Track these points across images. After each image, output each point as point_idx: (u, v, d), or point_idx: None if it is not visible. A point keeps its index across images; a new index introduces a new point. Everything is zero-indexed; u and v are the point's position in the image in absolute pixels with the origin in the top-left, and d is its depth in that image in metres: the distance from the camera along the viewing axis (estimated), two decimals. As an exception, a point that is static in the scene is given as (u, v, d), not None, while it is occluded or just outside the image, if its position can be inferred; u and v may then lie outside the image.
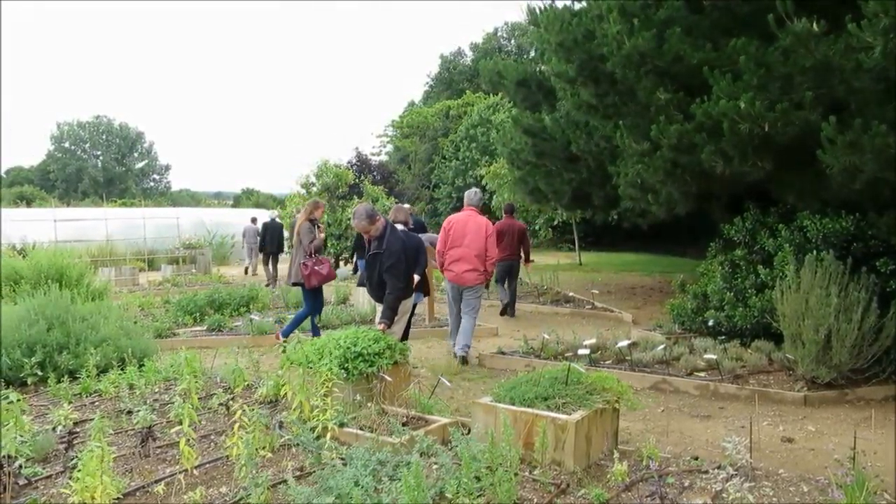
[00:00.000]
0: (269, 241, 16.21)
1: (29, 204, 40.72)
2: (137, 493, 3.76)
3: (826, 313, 5.80)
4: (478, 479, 3.43)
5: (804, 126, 6.18)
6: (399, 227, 6.78)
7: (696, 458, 4.13)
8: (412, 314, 7.00)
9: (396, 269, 5.81)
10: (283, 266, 19.64)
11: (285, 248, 16.75)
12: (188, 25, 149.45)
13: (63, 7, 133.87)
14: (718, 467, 3.81)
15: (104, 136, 70.51)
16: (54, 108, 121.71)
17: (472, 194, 7.92)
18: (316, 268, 7.91)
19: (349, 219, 17.96)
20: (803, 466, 4.33)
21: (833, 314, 5.78)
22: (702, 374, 6.40)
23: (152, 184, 73.23)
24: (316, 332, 8.11)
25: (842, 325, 5.76)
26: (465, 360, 7.39)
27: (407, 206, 12.80)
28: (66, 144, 69.17)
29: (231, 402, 5.15)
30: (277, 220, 16.90)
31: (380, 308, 6.04)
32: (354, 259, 15.51)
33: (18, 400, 4.53)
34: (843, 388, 5.89)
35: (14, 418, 4.36)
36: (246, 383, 5.90)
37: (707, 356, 6.47)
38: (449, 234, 7.57)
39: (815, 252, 6.23)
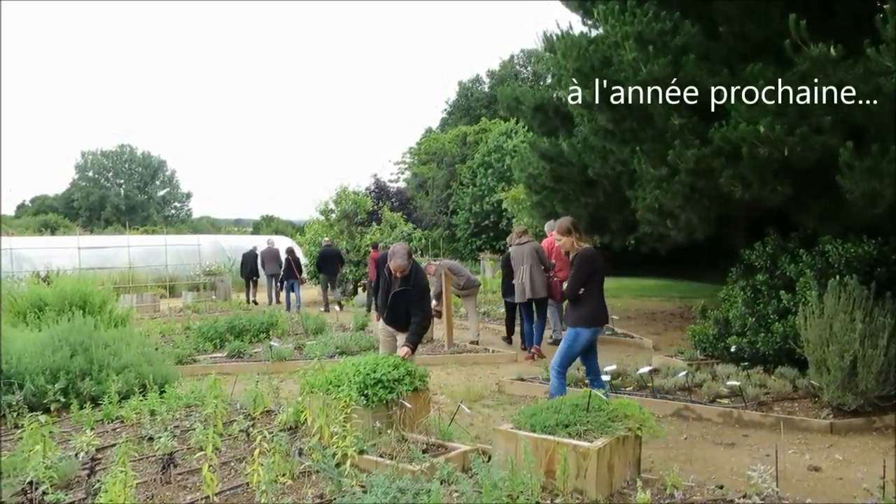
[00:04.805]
0: (248, 269, 18.94)
1: (53, 232, 41.44)
2: (159, 520, 3.77)
3: (851, 339, 5.72)
4: (499, 507, 3.40)
5: (824, 150, 6.16)
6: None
7: (721, 487, 4.06)
8: None
9: (425, 304, 6.23)
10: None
11: (260, 274, 19.37)
12: (212, 58, 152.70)
13: (88, 39, 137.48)
14: (744, 496, 3.75)
15: (127, 165, 71.64)
16: (79, 138, 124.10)
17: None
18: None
19: (367, 245, 18.11)
20: (831, 496, 4.25)
21: (858, 340, 5.69)
22: (725, 400, 6.31)
23: (174, 211, 74.12)
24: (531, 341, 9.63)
25: (867, 351, 5.67)
26: None
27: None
28: (90, 173, 70.34)
29: (251, 429, 5.16)
30: (256, 250, 19.19)
31: (400, 337, 6.17)
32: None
33: (47, 423, 4.57)
34: (870, 416, 5.77)
35: (43, 440, 4.40)
36: (266, 409, 5.93)
37: (730, 383, 6.39)
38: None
39: (837, 277, 6.15)
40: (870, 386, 5.68)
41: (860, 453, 5.16)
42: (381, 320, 6.47)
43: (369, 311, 13.28)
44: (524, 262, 9.33)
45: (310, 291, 20.18)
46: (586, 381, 6.84)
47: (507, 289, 9.98)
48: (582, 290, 5.51)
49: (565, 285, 5.61)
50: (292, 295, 16.88)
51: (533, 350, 9.41)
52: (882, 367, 5.67)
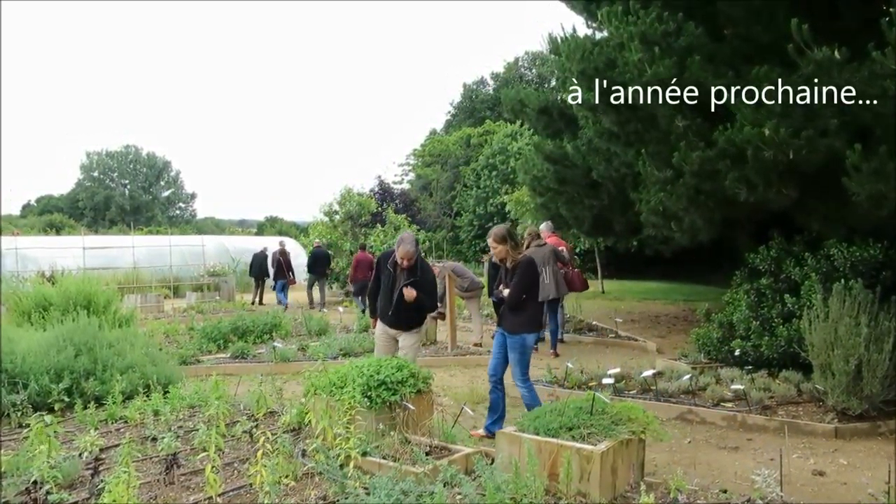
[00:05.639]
0: (258, 269, 18.74)
1: (58, 232, 41.48)
2: (162, 521, 3.77)
3: (856, 343, 5.70)
4: (502, 510, 3.39)
5: (829, 153, 6.14)
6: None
7: (725, 491, 4.04)
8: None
9: (434, 297, 6.34)
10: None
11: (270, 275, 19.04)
12: (215, 59, 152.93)
13: (92, 39, 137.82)
14: (748, 500, 3.74)
15: (132, 165, 71.79)
16: (84, 138, 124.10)
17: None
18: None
19: (371, 247, 18.14)
20: (836, 500, 4.23)
21: (863, 344, 5.67)
22: (729, 404, 6.30)
23: (178, 212, 74.21)
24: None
25: (872, 355, 5.65)
26: None
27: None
28: (95, 173, 70.49)
29: (254, 430, 5.16)
30: (266, 252, 19.03)
31: (402, 338, 6.16)
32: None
33: (52, 423, 4.59)
34: (875, 420, 5.76)
35: (49, 441, 4.40)
36: (269, 410, 5.93)
37: (734, 386, 6.37)
38: None
39: (843, 281, 6.13)
40: (875, 390, 5.66)
41: (865, 458, 5.14)
42: (378, 324, 6.25)
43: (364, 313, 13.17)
44: (547, 264, 9.57)
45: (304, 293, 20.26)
46: (590, 385, 6.84)
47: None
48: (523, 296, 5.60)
49: (506, 293, 5.61)
50: (283, 294, 17.38)
51: (551, 352, 9.70)
52: (887, 372, 5.65)
